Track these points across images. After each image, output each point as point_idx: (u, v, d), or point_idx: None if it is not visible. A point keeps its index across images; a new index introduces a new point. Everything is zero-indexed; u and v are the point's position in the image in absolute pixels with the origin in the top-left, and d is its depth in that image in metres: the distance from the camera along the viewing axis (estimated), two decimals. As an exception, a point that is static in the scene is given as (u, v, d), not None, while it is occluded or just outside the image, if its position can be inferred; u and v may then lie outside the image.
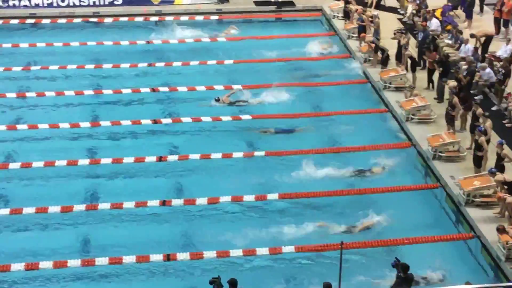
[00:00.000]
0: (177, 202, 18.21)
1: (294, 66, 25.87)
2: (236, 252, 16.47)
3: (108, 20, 29.36)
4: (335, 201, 18.53)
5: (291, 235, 17.12)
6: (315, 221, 17.56)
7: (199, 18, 29.67)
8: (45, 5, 29.99)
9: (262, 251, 16.54)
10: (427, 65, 23.28)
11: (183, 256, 16.35)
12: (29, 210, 17.68)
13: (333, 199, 18.52)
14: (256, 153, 20.45)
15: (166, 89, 23.81)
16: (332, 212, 18.11)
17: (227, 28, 28.62)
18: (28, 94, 23.40)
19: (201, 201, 18.19)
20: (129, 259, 16.19)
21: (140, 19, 29.49)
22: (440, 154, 19.42)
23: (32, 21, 29.11)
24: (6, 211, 17.78)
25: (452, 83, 21.29)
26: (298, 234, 17.14)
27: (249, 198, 18.38)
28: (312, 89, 24.31)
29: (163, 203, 18.10)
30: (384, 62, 24.38)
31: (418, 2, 27.70)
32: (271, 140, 21.32)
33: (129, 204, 17.98)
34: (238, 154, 20.26)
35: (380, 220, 17.50)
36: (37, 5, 29.92)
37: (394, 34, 24.96)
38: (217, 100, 22.95)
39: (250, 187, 18.95)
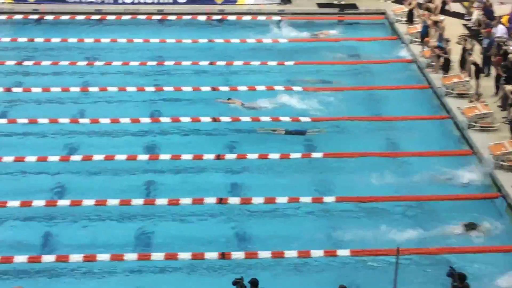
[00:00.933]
0: (233, 200, 18.30)
1: (354, 69, 25.74)
2: (291, 253, 16.44)
3: (171, 17, 29.67)
4: (394, 205, 18.35)
5: (347, 238, 17.02)
6: (372, 225, 17.43)
7: (261, 18, 29.77)
8: (111, 1, 30.50)
9: (317, 253, 16.49)
10: (491, 71, 22.88)
11: (238, 254, 16.41)
12: (88, 202, 17.97)
13: (391, 204, 18.36)
14: (314, 154, 20.39)
15: (226, 88, 23.91)
16: (390, 217, 17.94)
17: (319, 31, 28.48)
18: (91, 89, 23.77)
19: (258, 200, 18.24)
20: (184, 255, 16.31)
21: (203, 17, 29.72)
22: (502, 163, 19.07)
23: (97, 17, 29.61)
24: (66, 202, 18.09)
25: (509, 87, 20.92)
26: (354, 237, 17.02)
27: (305, 199, 18.34)
28: (372, 93, 24.13)
29: (220, 201, 18.19)
30: (446, 67, 24.06)
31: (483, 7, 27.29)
32: (326, 141, 21.21)
33: (186, 201, 18.13)
34: (295, 155, 20.24)
35: (439, 227, 17.30)
36: (103, 2, 30.45)
37: (459, 39, 24.62)
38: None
39: (307, 188, 18.91)
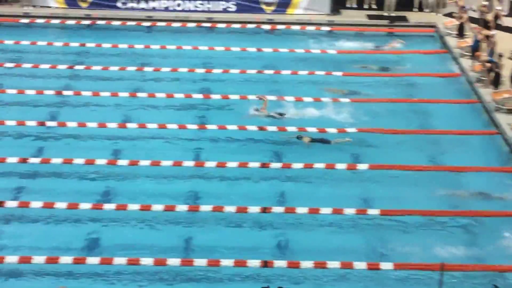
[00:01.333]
0: (277, 209, 18.32)
1: (401, 81, 25.59)
2: (334, 264, 16.37)
3: (220, 25, 29.89)
4: (439, 221, 18.17)
5: (390, 252, 16.89)
6: (417, 239, 17.28)
7: (310, 28, 29.81)
8: (162, 8, 30.86)
9: (360, 265, 16.40)
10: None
11: (280, 263, 16.42)
12: (134, 206, 18.16)
13: (438, 219, 18.19)
14: (359, 166, 20.32)
15: (273, 97, 23.97)
16: (436, 233, 17.75)
17: (391, 42, 28.44)
18: (139, 94, 24.03)
19: (302, 210, 18.23)
20: (226, 262, 16.37)
21: (252, 26, 29.87)
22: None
23: (148, 23, 29.97)
24: (112, 206, 18.30)
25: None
26: (398, 251, 16.89)
27: (349, 211, 18.28)
28: (419, 106, 23.96)
29: (264, 210, 18.23)
30: (496, 82, 23.78)
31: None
32: (372, 153, 21.11)
33: (230, 208, 18.21)
34: (341, 166, 20.20)
35: (487, 244, 17.08)
36: (154, 9, 30.82)
37: (511, 54, 24.33)
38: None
39: (352, 199, 18.85)
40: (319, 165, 20.07)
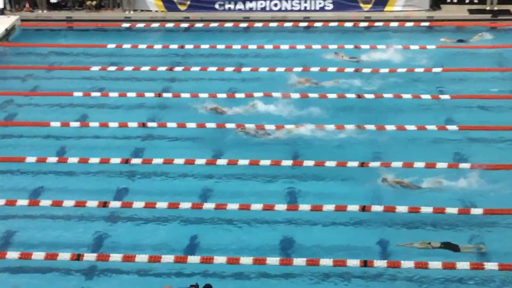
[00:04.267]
0: (377, 208, 18.09)
1: (505, 77, 24.84)
2: (435, 264, 16.10)
3: (317, 24, 29.79)
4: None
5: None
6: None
7: (409, 24, 29.34)
8: (259, 9, 31.03)
9: (463, 265, 16.10)
10: None
11: (380, 263, 16.22)
12: (233, 206, 18.27)
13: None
14: (461, 165, 19.82)
15: (371, 96, 23.69)
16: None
17: (476, 35, 27.86)
18: (237, 95, 24.20)
19: (401, 209, 17.94)
20: (325, 262, 16.29)
21: (350, 24, 29.63)
22: None
23: (245, 24, 30.19)
24: (211, 205, 18.44)
25: None
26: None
27: (451, 210, 17.88)
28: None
29: (363, 208, 18.04)
30: None
31: None
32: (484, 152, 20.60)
33: (329, 207, 18.10)
34: (441, 165, 19.78)
35: None
36: (251, 9, 31.03)
37: None
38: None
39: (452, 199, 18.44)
40: (419, 164, 19.80)
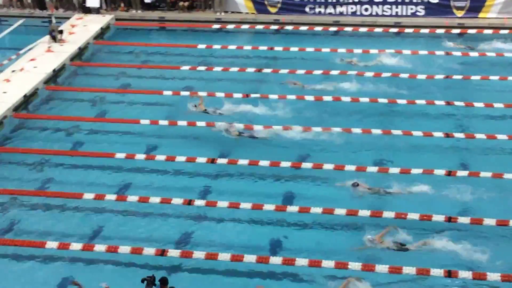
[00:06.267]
0: (463, 220, 17.77)
1: None
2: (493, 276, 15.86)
3: (408, 30, 29.44)
4: None
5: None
6: None
7: (503, 32, 28.71)
8: (349, 13, 30.89)
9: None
10: None
11: (465, 274, 15.97)
12: (316, 210, 18.23)
13: None
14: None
15: (461, 103, 23.26)
16: None
17: None
18: (325, 98, 24.07)
19: (489, 221, 17.58)
20: (408, 270, 16.12)
21: (441, 31, 29.15)
22: None
23: (334, 28, 30.11)
24: (295, 208, 18.45)
25: None
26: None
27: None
28: None
29: (449, 219, 17.75)
30: None
31: None
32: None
33: (413, 216, 17.84)
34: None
35: None
36: (341, 13, 30.93)
37: None
38: None
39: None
40: (509, 175, 19.30)
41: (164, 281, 15.00)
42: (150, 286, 14.72)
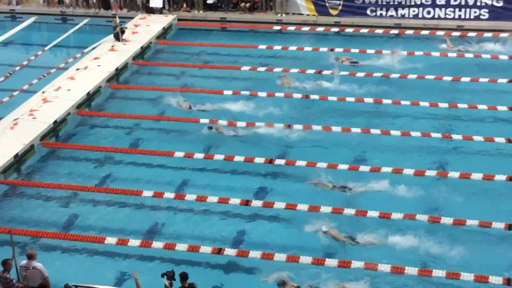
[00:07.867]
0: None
1: None
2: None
3: (471, 34, 29.04)
4: None
5: None
6: None
7: None
8: (411, 16, 30.63)
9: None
10: None
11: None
12: (373, 213, 18.21)
13: None
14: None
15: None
16: None
17: None
18: (385, 101, 23.96)
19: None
20: (467, 276, 16.00)
21: (505, 34, 28.66)
22: None
23: (395, 31, 29.91)
24: (351, 211, 18.44)
25: None
26: None
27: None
28: None
29: (509, 227, 17.49)
30: None
31: None
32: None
33: (472, 222, 17.67)
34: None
35: None
36: (403, 16, 30.69)
37: None
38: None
39: None
40: None
41: (183, 276, 15.01)
42: (170, 281, 14.86)
